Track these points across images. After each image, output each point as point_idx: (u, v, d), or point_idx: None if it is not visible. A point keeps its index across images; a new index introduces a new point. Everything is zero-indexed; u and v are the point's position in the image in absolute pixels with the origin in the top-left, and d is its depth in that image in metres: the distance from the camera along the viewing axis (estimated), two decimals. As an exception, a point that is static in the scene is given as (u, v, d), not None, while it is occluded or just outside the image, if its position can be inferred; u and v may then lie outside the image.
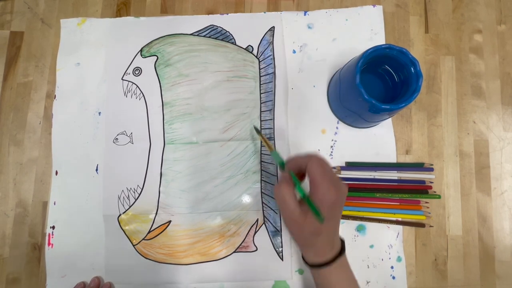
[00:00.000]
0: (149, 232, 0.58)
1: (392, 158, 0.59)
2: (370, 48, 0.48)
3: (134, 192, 0.58)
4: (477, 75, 0.61)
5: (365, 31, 0.62)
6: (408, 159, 0.59)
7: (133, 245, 0.58)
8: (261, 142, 0.59)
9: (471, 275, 0.57)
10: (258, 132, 0.57)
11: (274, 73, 0.61)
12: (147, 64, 0.61)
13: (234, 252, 0.57)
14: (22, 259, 0.58)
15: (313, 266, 0.46)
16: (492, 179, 0.59)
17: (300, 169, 0.45)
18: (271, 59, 0.61)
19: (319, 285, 0.47)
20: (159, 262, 0.57)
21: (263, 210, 0.58)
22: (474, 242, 0.57)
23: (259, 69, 0.61)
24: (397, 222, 0.57)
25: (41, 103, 0.62)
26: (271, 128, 0.59)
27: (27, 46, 0.63)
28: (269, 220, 0.57)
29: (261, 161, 0.59)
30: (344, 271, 0.46)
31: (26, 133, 0.61)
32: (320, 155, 0.44)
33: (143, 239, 0.58)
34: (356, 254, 0.57)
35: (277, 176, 0.58)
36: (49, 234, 0.58)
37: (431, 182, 0.58)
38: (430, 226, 0.57)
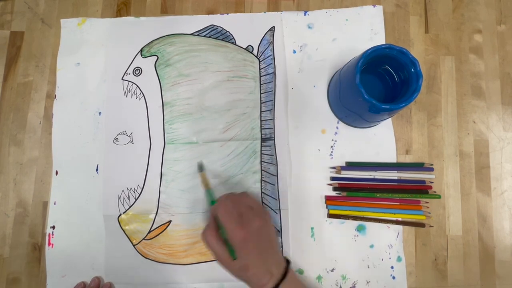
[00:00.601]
0: (149, 232, 0.58)
1: (392, 158, 0.59)
2: (370, 48, 0.48)
3: (134, 192, 0.58)
4: (477, 75, 0.61)
5: (365, 31, 0.62)
6: (408, 159, 0.59)
7: (133, 245, 0.58)
8: (261, 142, 0.59)
9: (471, 275, 0.57)
10: (200, 168, 0.57)
11: (274, 73, 0.61)
12: (147, 64, 0.61)
13: (234, 252, 0.57)
14: (22, 259, 0.58)
15: None
16: (492, 179, 0.59)
17: None
18: (271, 59, 0.61)
19: None
20: (159, 262, 0.57)
21: (263, 210, 0.58)
22: (474, 242, 0.57)
23: (259, 69, 0.61)
24: (397, 222, 0.57)
25: (41, 103, 0.62)
26: (271, 128, 0.59)
27: (27, 46, 0.63)
28: (269, 220, 0.57)
29: (261, 161, 0.59)
30: None
31: (26, 133, 0.61)
32: (231, 195, 0.49)
33: (143, 239, 0.58)
34: (356, 254, 0.57)
35: (277, 176, 0.58)
36: (49, 234, 0.58)
37: (431, 182, 0.58)
38: (430, 226, 0.57)
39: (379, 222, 0.57)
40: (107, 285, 0.56)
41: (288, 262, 0.49)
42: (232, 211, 0.46)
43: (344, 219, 0.57)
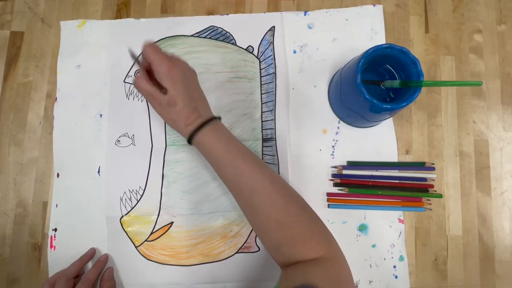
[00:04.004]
0: (151, 233, 0.58)
1: (393, 157, 0.59)
2: (371, 48, 0.48)
3: (136, 194, 0.58)
4: (477, 75, 0.61)
5: (365, 31, 0.62)
6: (408, 159, 0.59)
7: (136, 247, 0.58)
8: (262, 143, 0.59)
9: (471, 275, 0.57)
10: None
11: (274, 73, 0.61)
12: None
13: (237, 252, 0.57)
14: (22, 259, 0.58)
15: (190, 138, 0.48)
16: (492, 179, 0.59)
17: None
18: (272, 59, 0.61)
19: (204, 155, 0.50)
20: (161, 264, 0.57)
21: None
22: (474, 242, 0.58)
23: (260, 69, 0.61)
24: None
25: (41, 103, 0.61)
26: (273, 129, 0.59)
27: (27, 46, 0.63)
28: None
29: (262, 161, 0.59)
30: (217, 133, 0.48)
31: (26, 133, 0.61)
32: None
33: (146, 240, 0.58)
34: (359, 254, 0.57)
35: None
36: (51, 237, 0.58)
37: (433, 180, 0.58)
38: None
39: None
40: (103, 258, 0.57)
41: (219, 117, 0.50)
42: (160, 50, 0.47)
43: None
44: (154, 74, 0.48)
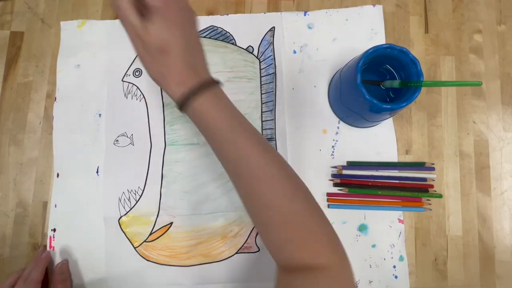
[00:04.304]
0: (150, 234, 0.58)
1: (393, 158, 0.59)
2: (371, 48, 0.48)
3: (135, 194, 0.58)
4: (477, 75, 0.61)
5: (365, 31, 0.62)
6: (408, 159, 0.59)
7: (134, 248, 0.57)
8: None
9: (471, 275, 0.57)
10: None
11: (274, 73, 0.61)
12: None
13: (237, 253, 0.57)
14: (22, 259, 0.58)
15: (183, 103, 0.38)
16: (492, 179, 0.59)
17: None
18: (272, 59, 0.61)
19: (199, 128, 0.40)
20: (161, 264, 0.57)
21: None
22: (474, 242, 0.58)
23: (260, 69, 0.61)
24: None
25: (41, 103, 0.61)
26: (272, 129, 0.59)
27: (27, 46, 0.63)
28: (270, 220, 0.57)
29: (262, 161, 0.58)
30: (219, 103, 0.39)
31: (26, 133, 0.61)
32: None
33: (145, 241, 0.57)
34: (358, 254, 0.57)
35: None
36: (50, 237, 0.58)
37: (433, 180, 0.58)
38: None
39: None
40: (45, 255, 0.55)
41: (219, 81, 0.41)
42: None
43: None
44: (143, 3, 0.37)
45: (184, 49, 0.38)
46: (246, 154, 0.39)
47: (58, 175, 0.59)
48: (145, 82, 0.61)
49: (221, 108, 0.39)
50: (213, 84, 0.39)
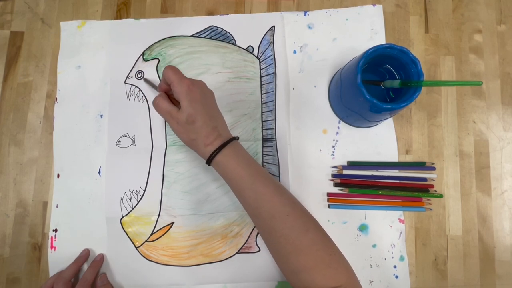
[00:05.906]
0: (151, 234, 0.58)
1: (393, 157, 0.59)
2: (371, 48, 0.48)
3: (137, 194, 0.58)
4: (477, 75, 0.61)
5: (365, 31, 0.62)
6: (408, 159, 0.59)
7: (136, 247, 0.57)
8: (262, 143, 0.59)
9: (471, 275, 0.57)
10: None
11: (275, 73, 0.61)
12: (149, 67, 0.61)
13: (237, 253, 0.57)
14: (22, 259, 0.58)
15: (211, 160, 0.48)
16: (492, 179, 0.59)
17: (168, 82, 0.49)
18: (272, 59, 0.61)
19: (223, 176, 0.49)
20: (162, 264, 0.57)
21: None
22: (474, 242, 0.58)
23: (260, 69, 0.61)
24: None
25: (41, 103, 0.61)
26: (273, 129, 0.59)
27: (27, 46, 0.63)
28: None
29: (263, 161, 0.58)
30: (237, 155, 0.48)
31: (26, 133, 0.61)
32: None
33: (146, 241, 0.57)
34: (359, 254, 0.57)
35: (279, 176, 0.58)
36: (51, 237, 0.58)
37: (433, 180, 0.58)
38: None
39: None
40: (99, 258, 0.57)
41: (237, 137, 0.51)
42: (179, 71, 0.48)
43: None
44: (172, 97, 0.50)
45: (207, 118, 0.47)
46: (263, 196, 0.47)
47: (58, 175, 0.59)
48: (147, 84, 0.61)
49: (239, 159, 0.48)
50: (232, 140, 0.48)
